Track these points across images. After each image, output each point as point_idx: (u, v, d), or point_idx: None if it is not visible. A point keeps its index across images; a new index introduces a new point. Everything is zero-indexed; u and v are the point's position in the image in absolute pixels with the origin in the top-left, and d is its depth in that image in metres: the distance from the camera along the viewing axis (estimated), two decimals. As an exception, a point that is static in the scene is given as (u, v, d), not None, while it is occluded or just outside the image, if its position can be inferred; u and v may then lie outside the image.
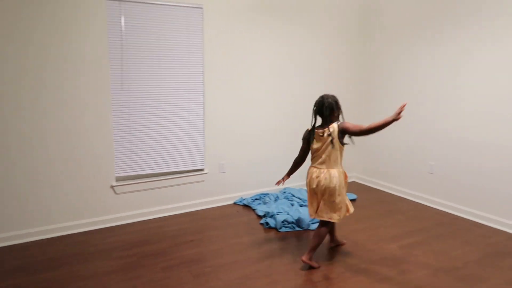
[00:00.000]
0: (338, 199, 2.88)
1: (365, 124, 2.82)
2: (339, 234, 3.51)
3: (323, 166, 2.89)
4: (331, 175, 2.85)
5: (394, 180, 4.88)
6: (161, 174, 4.01)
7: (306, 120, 4.79)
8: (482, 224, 3.84)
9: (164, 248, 3.27)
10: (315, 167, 2.94)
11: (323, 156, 2.88)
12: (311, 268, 2.94)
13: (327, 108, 2.83)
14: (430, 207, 4.36)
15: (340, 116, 2.95)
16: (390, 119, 2.54)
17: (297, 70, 4.67)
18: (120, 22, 3.56)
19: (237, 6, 4.13)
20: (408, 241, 3.45)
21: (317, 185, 2.89)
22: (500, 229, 3.71)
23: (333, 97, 2.89)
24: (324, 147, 2.86)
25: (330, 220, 2.93)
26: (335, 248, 3.30)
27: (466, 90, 3.95)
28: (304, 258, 2.93)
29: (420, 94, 4.44)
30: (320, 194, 2.91)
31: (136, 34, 3.65)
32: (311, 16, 4.66)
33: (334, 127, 2.83)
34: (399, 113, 2.50)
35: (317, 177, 2.89)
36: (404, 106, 2.49)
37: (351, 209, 3.07)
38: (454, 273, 2.90)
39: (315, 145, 2.93)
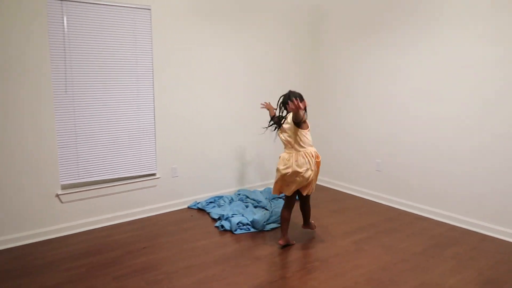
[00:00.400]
0: (301, 177, 3.16)
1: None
2: (292, 233, 3.57)
3: (291, 151, 3.23)
4: (298, 158, 3.16)
5: (344, 178, 5.04)
6: (111, 180, 3.86)
7: (257, 121, 4.83)
8: (426, 217, 4.06)
9: (116, 257, 3.15)
10: (285, 152, 3.29)
11: (290, 142, 3.23)
12: (286, 246, 3.36)
13: (289, 99, 3.20)
14: (379, 203, 4.55)
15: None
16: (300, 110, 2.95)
17: (247, 72, 4.70)
18: (63, 23, 3.39)
19: (186, 9, 4.08)
20: (359, 236, 3.57)
21: (286, 167, 3.19)
22: (441, 221, 3.95)
23: (295, 93, 3.30)
24: (289, 133, 3.22)
25: (308, 194, 3.29)
26: (287, 247, 3.35)
27: (406, 91, 4.17)
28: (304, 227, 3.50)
29: (367, 95, 4.63)
30: (290, 176, 3.18)
31: (80, 35, 3.49)
32: (260, 20, 4.70)
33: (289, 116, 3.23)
34: (296, 105, 2.87)
35: (288, 159, 3.21)
36: (300, 104, 2.88)
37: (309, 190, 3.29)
38: (402, 265, 3.04)
39: (282, 134, 3.30)
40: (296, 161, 3.17)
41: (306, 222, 3.56)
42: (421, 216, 4.11)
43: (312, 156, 3.20)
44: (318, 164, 3.26)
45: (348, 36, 4.79)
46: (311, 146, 3.26)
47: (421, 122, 4.08)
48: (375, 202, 4.59)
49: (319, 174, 3.38)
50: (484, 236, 3.58)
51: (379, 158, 4.56)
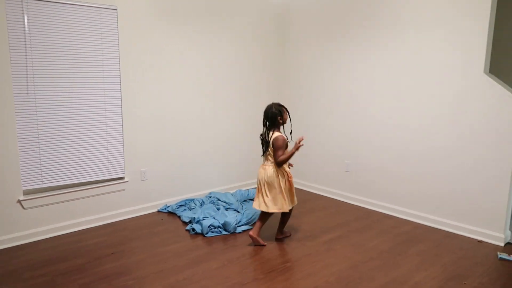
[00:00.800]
0: (269, 193, 3.31)
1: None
2: (264, 233, 3.58)
3: (265, 163, 3.38)
4: (266, 171, 3.31)
5: (314, 179, 5.11)
6: (77, 184, 3.74)
7: (225, 123, 4.83)
8: (392, 216, 4.18)
9: (82, 263, 3.05)
10: (262, 164, 3.43)
11: (266, 155, 3.37)
12: (256, 245, 3.42)
13: (269, 118, 3.32)
14: (347, 203, 4.64)
15: (283, 124, 3.41)
16: (293, 151, 3.23)
17: (216, 73, 4.67)
18: (23, 22, 3.26)
19: (154, 10, 4.02)
20: (329, 236, 3.63)
21: (259, 178, 3.38)
22: (407, 219, 4.07)
23: (275, 107, 3.31)
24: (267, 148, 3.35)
25: (268, 211, 3.33)
26: (257, 247, 3.36)
27: (371, 95, 4.28)
28: (252, 233, 3.40)
29: (333, 98, 4.71)
30: (260, 185, 3.35)
31: (43, 35, 3.36)
32: (229, 23, 4.70)
33: (273, 136, 3.28)
34: (298, 146, 3.22)
35: (260, 172, 3.38)
36: (301, 140, 3.23)
37: (285, 208, 3.35)
38: (371, 263, 3.11)
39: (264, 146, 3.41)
40: (267, 172, 3.32)
41: (281, 231, 3.56)
42: (388, 215, 4.23)
43: (285, 172, 3.37)
44: (290, 182, 3.40)
45: (314, 40, 4.85)
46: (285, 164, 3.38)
47: (387, 125, 4.20)
48: (344, 202, 4.68)
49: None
50: (447, 233, 3.72)
51: (348, 159, 4.66)
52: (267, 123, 3.35)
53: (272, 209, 3.31)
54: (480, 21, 3.42)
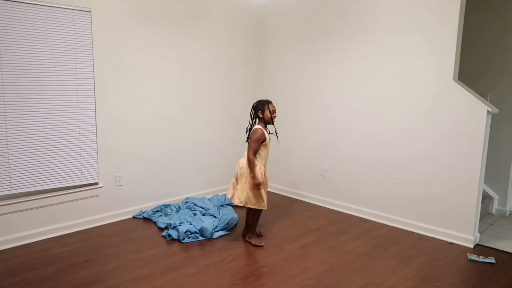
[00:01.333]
0: (244, 185, 3.36)
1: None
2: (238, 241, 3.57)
3: (244, 155, 3.44)
4: (243, 163, 3.39)
5: (290, 184, 5.13)
6: (48, 190, 3.62)
7: (202, 128, 4.80)
8: (368, 219, 4.25)
9: (54, 272, 2.95)
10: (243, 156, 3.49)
11: (246, 148, 3.45)
12: (253, 244, 3.52)
13: (252, 111, 3.47)
14: (324, 207, 4.69)
15: (261, 118, 3.41)
16: (253, 180, 3.28)
17: (193, 76, 4.64)
18: (-7, 21, 3.15)
19: (129, 13, 3.96)
20: (307, 240, 3.65)
21: (237, 169, 3.46)
22: (382, 223, 4.15)
23: (260, 101, 3.43)
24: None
25: (240, 204, 3.38)
26: (236, 252, 3.34)
27: (348, 101, 4.36)
28: (253, 241, 3.53)
29: (311, 102, 4.76)
30: (238, 178, 3.45)
31: (13, 37, 3.25)
32: (205, 25, 4.69)
33: (253, 127, 3.41)
34: (257, 183, 3.28)
35: (238, 163, 3.47)
36: (262, 184, 3.32)
37: (260, 204, 3.39)
38: (347, 266, 3.15)
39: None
40: (240, 163, 3.44)
41: (248, 232, 3.60)
42: (364, 218, 4.29)
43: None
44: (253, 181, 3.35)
45: (290, 46, 4.89)
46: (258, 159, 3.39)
47: (361, 130, 4.27)
48: (321, 206, 4.72)
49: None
50: (421, 236, 3.81)
51: (324, 164, 4.71)
52: (253, 116, 3.48)
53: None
54: (450, 28, 3.53)
